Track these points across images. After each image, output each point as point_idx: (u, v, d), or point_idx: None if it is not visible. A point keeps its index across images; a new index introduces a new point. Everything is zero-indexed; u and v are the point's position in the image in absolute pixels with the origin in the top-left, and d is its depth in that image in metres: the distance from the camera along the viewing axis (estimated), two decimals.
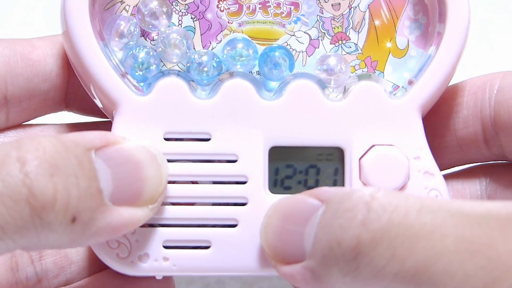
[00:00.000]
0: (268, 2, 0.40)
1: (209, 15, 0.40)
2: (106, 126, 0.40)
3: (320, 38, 0.41)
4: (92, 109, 0.42)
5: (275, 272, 0.38)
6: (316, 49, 0.41)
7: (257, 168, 0.39)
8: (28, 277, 0.41)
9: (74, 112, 0.44)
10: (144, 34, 0.40)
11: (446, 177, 0.43)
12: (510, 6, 0.62)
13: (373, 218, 0.31)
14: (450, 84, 0.41)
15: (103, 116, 0.41)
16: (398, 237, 0.31)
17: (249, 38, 0.40)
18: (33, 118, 0.43)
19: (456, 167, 0.43)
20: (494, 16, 0.62)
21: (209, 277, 0.52)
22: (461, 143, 0.42)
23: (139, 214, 0.36)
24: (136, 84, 0.40)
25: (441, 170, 0.40)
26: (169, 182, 0.38)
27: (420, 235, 0.30)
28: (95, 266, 0.42)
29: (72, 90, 0.42)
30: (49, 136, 0.33)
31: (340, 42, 0.41)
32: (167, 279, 0.41)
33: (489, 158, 0.42)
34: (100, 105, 0.40)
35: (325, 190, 0.35)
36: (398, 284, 0.30)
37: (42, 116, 0.43)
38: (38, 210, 0.32)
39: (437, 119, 0.42)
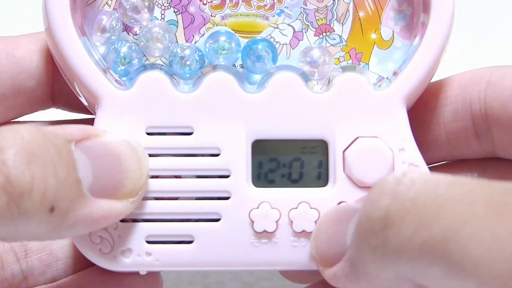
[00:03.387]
0: None
1: (192, 9, 0.40)
2: (93, 122, 0.39)
3: (304, 30, 0.40)
4: (79, 106, 0.42)
5: (259, 266, 0.38)
6: (300, 41, 0.40)
7: (240, 162, 0.38)
8: (14, 275, 0.41)
9: (62, 109, 0.44)
10: (126, 28, 0.40)
11: (438, 168, 0.42)
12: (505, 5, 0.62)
13: (402, 190, 0.31)
14: (438, 79, 0.41)
15: (90, 112, 0.41)
16: (426, 207, 0.30)
17: (232, 31, 0.40)
18: (20, 116, 0.43)
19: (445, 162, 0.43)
20: (485, 15, 0.62)
21: (210, 277, 0.52)
22: (450, 137, 0.41)
23: (119, 206, 0.35)
24: (119, 79, 0.39)
25: (429, 165, 0.39)
26: (152, 177, 0.38)
27: (448, 203, 0.30)
28: (81, 263, 0.42)
29: (58, 87, 0.42)
30: (28, 126, 0.33)
31: (324, 34, 0.40)
32: (153, 275, 0.41)
33: (479, 154, 0.42)
34: (85, 102, 0.40)
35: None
36: (425, 254, 0.30)
37: (30, 114, 0.43)
38: (15, 198, 0.31)
39: (426, 112, 0.41)
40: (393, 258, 0.31)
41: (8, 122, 0.42)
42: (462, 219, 0.30)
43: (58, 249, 0.42)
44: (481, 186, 0.31)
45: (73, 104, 0.43)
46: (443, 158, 0.42)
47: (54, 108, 0.44)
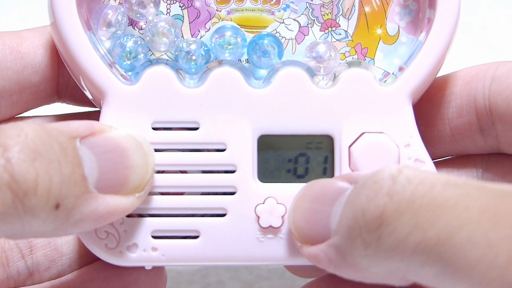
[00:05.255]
0: None
1: (197, 3, 0.40)
2: (99, 116, 0.39)
3: (309, 25, 0.40)
4: (84, 99, 0.42)
5: (264, 261, 0.38)
6: (306, 36, 0.40)
7: (246, 157, 0.38)
8: (19, 272, 0.41)
9: (67, 103, 0.44)
10: (132, 23, 0.40)
11: (443, 164, 0.42)
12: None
13: (399, 190, 0.31)
14: (442, 75, 0.41)
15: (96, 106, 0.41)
16: (422, 208, 0.30)
17: (238, 26, 0.40)
18: (25, 111, 0.43)
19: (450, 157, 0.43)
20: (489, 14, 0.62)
21: (209, 277, 0.52)
22: (454, 132, 0.41)
23: (125, 202, 0.35)
24: (124, 74, 0.39)
25: (434, 160, 0.39)
26: (158, 172, 0.38)
27: (443, 206, 0.30)
28: (86, 258, 0.42)
29: (63, 81, 0.42)
30: (32, 123, 0.33)
31: (329, 29, 0.40)
32: (158, 269, 0.41)
33: (483, 149, 0.42)
34: (90, 96, 0.40)
35: (355, 174, 0.36)
36: (419, 255, 0.30)
37: (36, 109, 0.43)
38: (20, 196, 0.31)
39: (431, 108, 0.41)
40: (386, 255, 0.31)
41: (13, 117, 0.42)
42: (457, 223, 0.30)
43: (63, 244, 0.42)
44: (476, 188, 0.31)
45: (79, 97, 0.43)
46: (447, 154, 0.43)
47: (60, 103, 0.44)
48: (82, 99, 0.43)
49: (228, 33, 0.39)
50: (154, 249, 0.38)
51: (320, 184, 0.36)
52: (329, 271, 0.35)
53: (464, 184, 0.31)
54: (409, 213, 0.30)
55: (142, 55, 0.39)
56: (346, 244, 0.33)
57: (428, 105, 0.41)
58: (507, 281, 0.29)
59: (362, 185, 0.33)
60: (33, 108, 0.43)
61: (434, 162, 0.39)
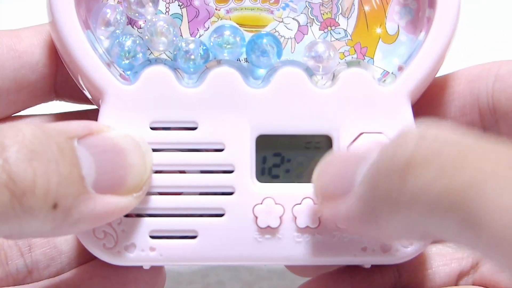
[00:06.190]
0: None
1: (196, 2, 0.40)
2: (97, 114, 0.39)
3: (309, 25, 0.40)
4: (83, 97, 0.42)
5: (262, 261, 0.38)
6: (305, 35, 0.40)
7: (244, 157, 0.38)
8: (18, 269, 0.41)
9: (65, 101, 0.44)
10: (131, 22, 0.40)
11: None
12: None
13: (428, 139, 0.30)
14: (444, 74, 0.41)
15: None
16: (450, 156, 0.30)
17: (237, 25, 0.40)
18: (22, 110, 0.43)
19: None
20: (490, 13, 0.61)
21: (209, 277, 0.52)
22: None
23: (123, 202, 0.35)
24: (123, 73, 0.39)
25: None
26: (156, 172, 0.38)
27: (472, 155, 0.30)
28: (85, 256, 0.42)
29: (61, 79, 0.42)
30: (29, 123, 0.33)
31: (329, 28, 0.40)
32: (156, 269, 0.41)
33: None
34: (89, 95, 0.40)
35: (378, 142, 0.35)
36: (443, 201, 0.29)
37: (33, 107, 0.43)
38: (18, 196, 0.31)
39: (433, 108, 0.41)
40: (410, 203, 0.30)
41: (10, 116, 0.42)
42: (485, 171, 0.29)
43: (62, 242, 0.42)
44: (504, 147, 0.30)
45: (77, 95, 0.43)
46: None
47: (57, 101, 0.43)
48: (80, 97, 0.42)
49: (227, 33, 0.39)
50: (152, 249, 0.38)
51: (346, 151, 0.37)
52: (346, 228, 0.34)
53: (493, 141, 0.30)
54: (436, 161, 0.30)
55: (140, 54, 0.39)
56: (369, 192, 0.32)
57: (430, 105, 0.41)
58: None
59: (390, 141, 0.32)
60: (31, 107, 0.42)
61: None
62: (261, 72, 0.40)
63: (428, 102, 0.41)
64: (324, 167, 0.36)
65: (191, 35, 0.40)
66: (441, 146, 0.30)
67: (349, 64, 0.39)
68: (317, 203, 0.36)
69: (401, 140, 0.31)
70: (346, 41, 0.40)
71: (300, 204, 0.38)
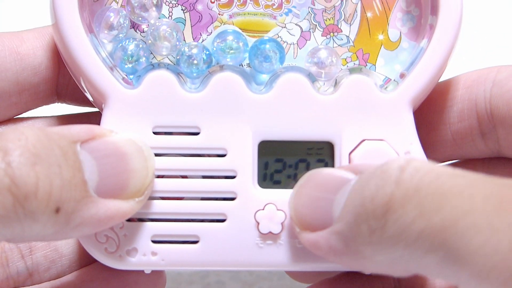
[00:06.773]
0: None
1: (199, 7, 0.40)
2: (99, 117, 0.39)
3: (311, 30, 0.40)
4: (84, 99, 0.42)
5: (263, 267, 0.38)
6: (308, 41, 0.40)
7: (246, 163, 0.38)
8: (19, 272, 0.41)
9: (67, 103, 0.44)
10: (134, 26, 0.40)
11: None
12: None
13: (406, 178, 0.31)
14: (443, 80, 0.41)
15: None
16: (428, 196, 0.31)
17: (240, 31, 0.40)
18: (24, 112, 0.43)
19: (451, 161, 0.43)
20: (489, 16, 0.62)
21: (209, 277, 0.52)
22: (456, 137, 0.41)
23: (125, 206, 0.36)
24: (126, 77, 0.39)
25: None
26: (158, 176, 0.38)
27: (449, 194, 0.30)
28: (86, 258, 0.42)
29: (63, 82, 0.42)
30: (32, 127, 0.33)
31: (331, 34, 0.40)
32: (157, 273, 0.41)
33: (485, 154, 0.42)
34: (90, 98, 0.40)
35: (359, 164, 0.36)
36: (423, 241, 0.30)
37: (35, 109, 0.43)
38: (20, 199, 0.31)
39: (432, 113, 0.41)
40: (391, 242, 0.31)
41: (12, 118, 0.42)
42: (461, 210, 0.30)
43: (63, 245, 0.42)
44: (481, 179, 0.31)
45: (79, 98, 0.43)
46: (449, 158, 0.43)
47: (59, 103, 0.43)
48: (82, 100, 0.43)
49: (230, 38, 0.39)
50: (154, 253, 0.38)
51: (324, 172, 0.36)
52: (329, 259, 0.35)
53: (469, 174, 0.31)
54: (415, 201, 0.31)
55: (143, 58, 0.39)
56: (350, 231, 0.33)
57: (429, 110, 0.41)
58: (509, 266, 0.29)
59: (371, 174, 0.33)
60: (32, 109, 0.43)
61: None
62: (264, 77, 0.40)
63: (428, 107, 0.41)
64: (300, 193, 0.37)
65: (194, 39, 0.40)
66: (418, 184, 0.31)
67: (351, 70, 0.39)
68: (295, 231, 0.36)
69: (380, 180, 0.32)
70: (349, 47, 0.40)
71: None
